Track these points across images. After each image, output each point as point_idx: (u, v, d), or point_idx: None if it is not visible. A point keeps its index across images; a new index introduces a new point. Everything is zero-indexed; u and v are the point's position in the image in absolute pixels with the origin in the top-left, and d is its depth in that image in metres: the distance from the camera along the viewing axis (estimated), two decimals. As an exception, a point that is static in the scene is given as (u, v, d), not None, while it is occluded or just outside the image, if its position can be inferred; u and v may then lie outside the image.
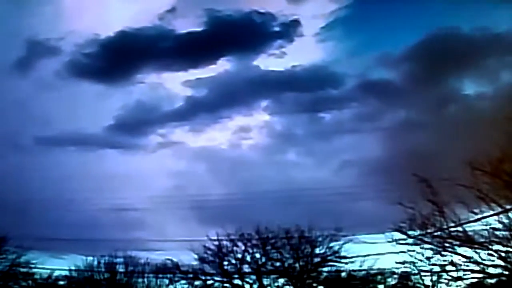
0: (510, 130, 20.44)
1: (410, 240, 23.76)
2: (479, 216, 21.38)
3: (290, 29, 41.83)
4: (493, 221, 21.31)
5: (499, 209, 20.95)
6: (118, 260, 32.99)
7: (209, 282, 32.31)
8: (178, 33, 42.10)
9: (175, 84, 44.58)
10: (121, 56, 41.78)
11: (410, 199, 22.20)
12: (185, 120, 42.78)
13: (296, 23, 41.86)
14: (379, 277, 31.27)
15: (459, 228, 22.04)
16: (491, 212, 21.16)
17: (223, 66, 42.94)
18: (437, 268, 24.24)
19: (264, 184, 35.74)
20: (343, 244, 30.30)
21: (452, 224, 22.09)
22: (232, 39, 41.42)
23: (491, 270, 21.94)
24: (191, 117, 43.22)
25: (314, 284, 31.79)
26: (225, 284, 32.11)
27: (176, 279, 32.84)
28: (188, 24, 42.49)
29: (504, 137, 20.65)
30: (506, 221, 21.03)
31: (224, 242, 31.51)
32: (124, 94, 42.89)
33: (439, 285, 27.51)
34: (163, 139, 42.43)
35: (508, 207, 20.87)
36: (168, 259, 32.34)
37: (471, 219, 21.64)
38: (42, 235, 29.20)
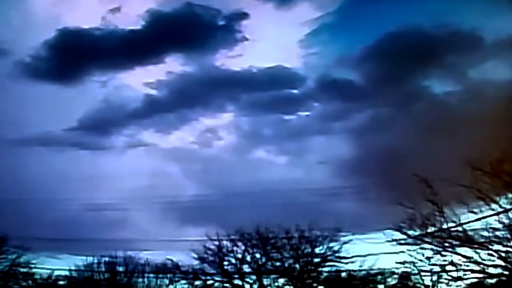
0: (510, 130, 20.50)
1: (410, 240, 23.83)
2: (479, 216, 21.43)
3: (240, 27, 41.87)
4: (493, 221, 21.39)
5: (499, 209, 20.98)
6: (118, 260, 33.02)
7: (209, 282, 32.30)
8: (121, 32, 42.38)
9: (132, 83, 44.43)
10: (70, 57, 41.95)
11: (391, 198, 22.33)
12: (147, 119, 42.97)
13: (245, 16, 41.78)
14: (379, 277, 31.24)
15: (459, 228, 22.09)
16: (491, 212, 21.21)
17: (174, 64, 43.18)
18: (437, 268, 24.32)
19: (241, 185, 35.60)
20: (343, 244, 30.34)
21: (452, 224, 22.14)
22: (180, 37, 41.71)
23: (491, 270, 21.99)
24: (152, 117, 43.32)
25: (314, 284, 31.75)
26: (225, 284, 32.09)
27: (176, 279, 32.88)
28: (130, 22, 42.65)
29: (504, 136, 20.72)
30: (506, 221, 21.09)
31: (224, 242, 31.60)
32: (80, 95, 42.23)
33: (439, 285, 27.51)
34: (129, 140, 42.50)
35: (508, 207, 20.90)
36: (169, 259, 32.44)
37: (471, 219, 21.70)
38: (26, 235, 29.31)
